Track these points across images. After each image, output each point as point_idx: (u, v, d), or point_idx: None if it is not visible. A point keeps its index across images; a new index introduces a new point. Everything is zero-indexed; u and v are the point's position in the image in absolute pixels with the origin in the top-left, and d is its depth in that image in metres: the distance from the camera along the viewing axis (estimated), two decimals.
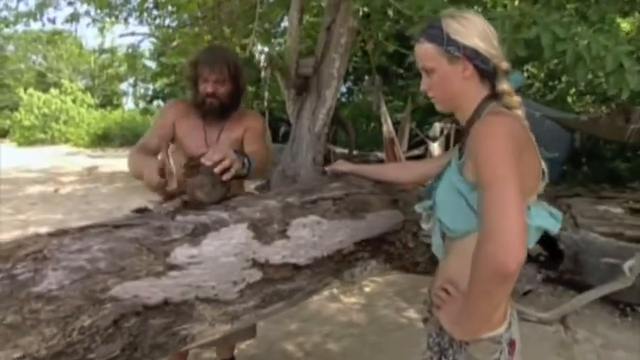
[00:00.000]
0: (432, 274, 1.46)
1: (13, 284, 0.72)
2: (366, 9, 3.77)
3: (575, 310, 2.44)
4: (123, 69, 18.28)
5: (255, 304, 0.96)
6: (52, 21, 5.73)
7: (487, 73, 0.85)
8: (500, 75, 0.86)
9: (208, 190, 1.00)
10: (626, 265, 2.17)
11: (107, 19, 5.57)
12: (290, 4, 3.81)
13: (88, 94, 18.17)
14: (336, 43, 3.65)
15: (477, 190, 0.76)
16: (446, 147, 6.02)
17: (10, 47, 21.12)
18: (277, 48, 6.21)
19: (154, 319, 0.82)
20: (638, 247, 2.69)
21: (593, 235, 2.92)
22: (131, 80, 17.66)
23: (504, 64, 0.85)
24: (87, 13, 5.31)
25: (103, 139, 14.72)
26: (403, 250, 1.28)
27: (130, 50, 7.31)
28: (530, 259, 2.73)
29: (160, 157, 1.16)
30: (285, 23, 6.13)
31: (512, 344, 0.83)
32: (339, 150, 6.18)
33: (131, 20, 5.41)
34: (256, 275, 0.92)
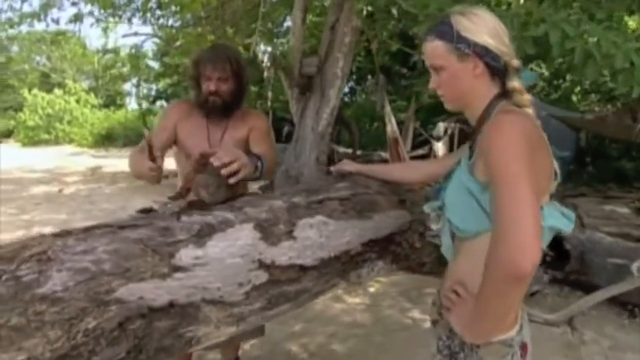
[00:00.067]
0: (438, 274, 1.45)
1: (17, 286, 0.71)
2: (369, 8, 3.75)
3: (582, 311, 2.41)
4: (126, 69, 18.33)
5: (261, 306, 0.95)
6: (56, 21, 5.73)
7: (498, 70, 0.84)
8: (511, 73, 0.84)
9: (212, 190, 0.99)
10: (635, 266, 2.14)
11: (111, 19, 5.58)
12: (293, 4, 3.80)
13: (92, 95, 18.25)
14: (340, 42, 3.64)
15: (489, 189, 0.74)
16: (450, 146, 6.00)
17: (15, 48, 21.24)
18: (280, 48, 6.20)
19: (160, 322, 0.81)
20: None
21: (600, 235, 2.90)
22: (134, 80, 17.71)
23: (515, 62, 0.83)
24: (90, 13, 5.32)
25: (106, 139, 14.79)
26: (410, 250, 1.27)
27: (133, 50, 7.32)
28: None
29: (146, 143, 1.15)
30: (288, 23, 6.12)
31: (524, 347, 0.81)
32: (342, 150, 6.17)
33: (134, 20, 5.42)
34: (262, 277, 0.91)
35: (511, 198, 0.67)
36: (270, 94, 5.02)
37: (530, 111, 0.83)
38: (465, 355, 0.81)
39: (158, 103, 16.00)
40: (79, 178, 8.22)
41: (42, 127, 16.12)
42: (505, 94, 0.85)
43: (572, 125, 5.36)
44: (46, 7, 5.21)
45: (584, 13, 1.41)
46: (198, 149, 1.40)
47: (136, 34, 7.97)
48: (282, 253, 0.94)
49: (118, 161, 9.90)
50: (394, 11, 3.48)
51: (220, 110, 1.47)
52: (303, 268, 0.98)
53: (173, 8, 5.24)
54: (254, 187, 2.07)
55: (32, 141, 15.82)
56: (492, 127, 0.77)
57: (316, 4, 5.36)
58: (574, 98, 7.68)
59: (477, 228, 0.81)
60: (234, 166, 1.02)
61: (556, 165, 0.82)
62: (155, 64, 12.26)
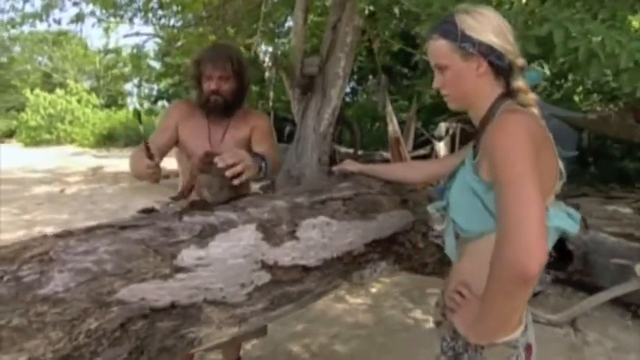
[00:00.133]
0: (441, 275, 1.44)
1: (18, 286, 0.71)
2: (371, 8, 3.74)
3: (585, 312, 2.40)
4: (127, 69, 18.37)
5: (264, 307, 0.95)
6: (58, 22, 5.73)
7: (502, 69, 0.83)
8: (515, 72, 0.83)
9: (215, 191, 0.99)
10: (638, 267, 2.13)
11: (112, 19, 5.58)
12: (294, 4, 3.80)
13: (93, 95, 18.28)
14: (342, 42, 3.63)
15: (494, 189, 0.73)
16: (451, 146, 5.98)
17: (17, 48, 21.30)
18: (282, 48, 6.19)
19: (162, 322, 0.81)
20: None
21: (603, 235, 2.88)
22: (136, 80, 17.75)
23: (520, 61, 0.83)
24: (92, 13, 5.33)
25: (107, 140, 14.81)
26: (413, 250, 1.26)
27: (135, 51, 7.32)
28: None
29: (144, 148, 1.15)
30: (289, 23, 6.11)
31: (528, 349, 0.80)
32: (343, 150, 6.16)
33: (136, 20, 5.42)
34: (265, 277, 0.91)
35: (516, 197, 0.67)
36: (271, 94, 5.01)
37: (535, 110, 0.83)
38: (469, 357, 0.81)
39: (159, 103, 16.03)
40: (81, 178, 8.23)
41: (44, 127, 16.16)
42: (509, 93, 0.84)
43: (574, 125, 5.34)
44: (47, 8, 5.22)
45: (588, 12, 1.40)
46: (200, 149, 1.39)
47: (137, 34, 7.98)
48: (285, 254, 0.93)
49: (120, 161, 9.91)
50: (396, 10, 3.47)
51: (222, 110, 1.47)
52: (305, 269, 0.97)
53: (174, 8, 5.24)
54: (255, 186, 2.07)
55: (34, 141, 15.85)
56: (497, 126, 0.76)
57: (317, 4, 5.35)
58: (576, 98, 7.66)
59: (482, 228, 0.80)
60: (238, 168, 1.01)
61: (561, 165, 0.81)
62: (156, 64, 12.28)
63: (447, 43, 0.83)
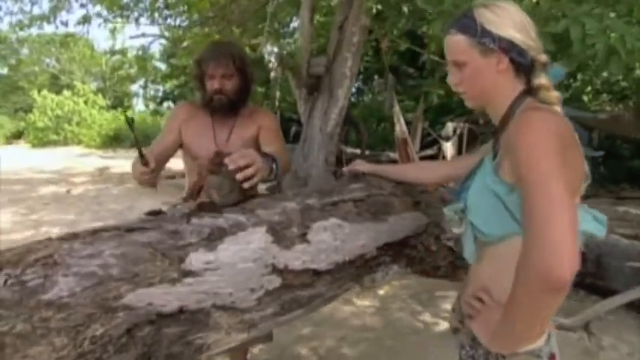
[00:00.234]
0: (453, 278, 1.40)
1: (22, 291, 0.69)
2: (379, 7, 3.70)
3: (599, 316, 2.34)
4: (133, 71, 18.48)
5: (274, 312, 0.92)
6: (65, 24, 5.75)
7: (523, 66, 0.79)
8: (537, 68, 0.80)
9: (225, 193, 0.96)
10: None
11: (118, 20, 5.60)
12: (300, 3, 3.77)
13: (100, 96, 18.40)
14: (349, 41, 3.60)
15: (517, 191, 0.70)
16: (459, 147, 5.92)
17: (25, 50, 21.50)
18: (287, 48, 6.18)
19: (169, 328, 0.78)
20: None
21: (616, 237, 2.82)
22: (141, 82, 17.84)
23: (543, 57, 0.79)
24: (98, 14, 5.35)
25: (114, 140, 14.89)
26: (425, 253, 1.23)
27: (141, 52, 7.34)
28: None
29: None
30: (294, 24, 6.09)
31: (552, 358, 0.77)
32: (350, 150, 6.12)
33: (142, 21, 5.43)
34: (275, 282, 0.88)
35: (542, 197, 0.62)
36: (278, 94, 4.99)
37: (558, 108, 0.79)
38: None
39: (165, 104, 16.10)
40: (87, 178, 8.27)
41: (51, 128, 16.28)
42: (530, 91, 0.81)
43: (584, 125, 5.25)
44: (55, 10, 5.24)
45: (606, 8, 1.35)
46: (205, 150, 1.37)
47: (143, 35, 7.99)
48: (296, 257, 0.90)
49: (126, 162, 9.94)
50: (405, 9, 3.43)
51: (226, 109, 1.43)
52: (316, 273, 0.94)
53: (181, 8, 5.24)
54: (261, 187, 2.04)
55: (41, 142, 15.98)
56: (520, 124, 0.72)
57: (323, 4, 5.33)
58: (585, 98, 7.56)
59: (502, 232, 0.77)
60: (249, 171, 0.98)
61: (586, 165, 0.77)
62: (162, 66, 12.33)
63: (466, 39, 0.79)
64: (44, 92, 17.17)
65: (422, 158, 5.19)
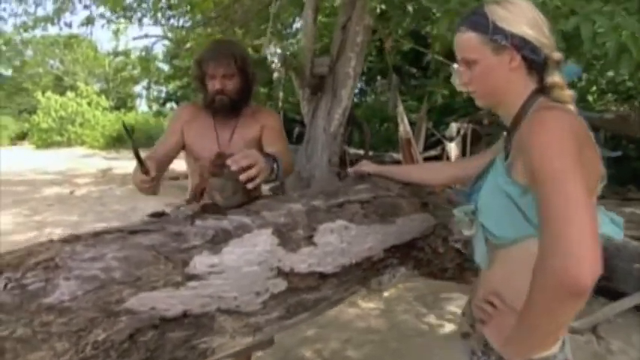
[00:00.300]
0: (460, 281, 1.38)
1: (23, 295, 0.67)
2: (383, 6, 3.68)
3: (608, 318, 2.31)
4: (137, 72, 18.53)
5: (279, 315, 0.90)
6: (69, 25, 5.77)
7: (536, 64, 0.77)
8: (550, 66, 0.77)
9: (228, 195, 0.94)
10: None
11: (122, 20, 5.61)
12: (303, 4, 3.76)
13: (103, 97, 18.45)
14: (352, 41, 3.59)
15: (531, 192, 0.67)
16: (462, 147, 5.89)
17: (29, 52, 21.60)
18: (291, 48, 6.16)
19: (173, 333, 0.77)
20: None
21: (625, 239, 2.78)
22: (145, 83, 17.90)
23: (556, 55, 0.77)
24: (102, 15, 5.36)
25: (117, 141, 14.92)
26: (432, 255, 1.20)
27: (144, 53, 7.35)
28: None
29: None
30: (297, 24, 6.08)
31: None
32: (353, 151, 6.10)
33: (145, 21, 5.43)
34: (281, 285, 0.86)
35: (559, 197, 0.60)
36: (281, 94, 4.97)
37: (572, 107, 0.77)
38: None
39: (168, 105, 16.14)
40: (91, 179, 8.29)
41: (55, 129, 16.34)
42: (543, 89, 0.78)
43: (591, 125, 5.21)
44: (59, 11, 5.26)
45: (617, 5, 1.33)
46: (207, 151, 1.35)
47: (146, 36, 8.00)
48: (302, 260, 0.88)
49: (129, 163, 9.95)
50: (409, 8, 3.41)
51: (228, 109, 1.41)
52: (323, 276, 0.92)
53: (184, 8, 5.24)
54: (264, 188, 2.02)
55: (45, 143, 16.03)
56: (533, 123, 0.70)
57: (326, 5, 5.31)
58: (590, 98, 7.50)
59: (515, 234, 0.74)
60: (252, 172, 0.96)
61: (602, 166, 0.75)
62: (165, 67, 12.36)
63: (477, 36, 0.77)
64: (48, 93, 17.24)
65: (426, 159, 5.16)
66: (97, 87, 20.58)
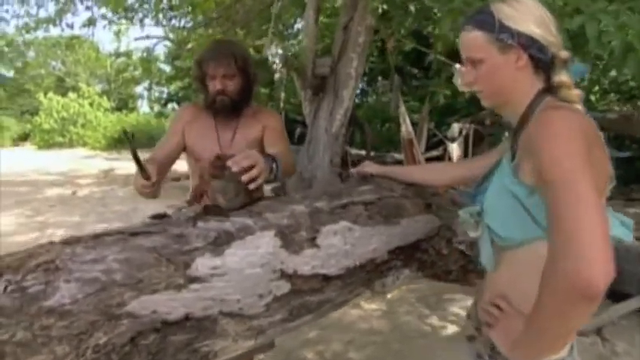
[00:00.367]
0: (464, 282, 1.36)
1: (23, 297, 0.67)
2: (384, 6, 3.67)
3: (612, 320, 2.29)
4: (138, 72, 18.56)
5: (282, 318, 0.89)
6: (71, 26, 5.77)
7: (543, 63, 0.76)
8: (557, 65, 0.76)
9: (230, 197, 0.93)
10: None
11: (123, 21, 5.61)
12: (305, 4, 3.75)
13: (105, 98, 18.48)
14: (354, 42, 3.57)
15: (537, 193, 0.66)
16: (465, 148, 5.86)
17: (31, 53, 21.66)
18: (292, 49, 6.16)
19: (174, 336, 0.76)
20: None
21: (630, 240, 2.76)
22: (146, 84, 17.92)
23: (564, 53, 0.75)
24: (103, 16, 5.36)
25: (119, 142, 14.94)
26: (436, 257, 1.19)
27: (145, 54, 7.35)
28: None
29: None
30: (299, 25, 6.08)
31: None
32: (354, 151, 6.08)
33: (146, 21, 5.43)
34: (284, 287, 0.85)
35: (569, 197, 0.59)
36: (282, 95, 4.97)
37: (580, 107, 0.75)
38: None
39: (169, 105, 16.15)
40: (92, 180, 8.30)
41: (57, 130, 16.37)
42: (550, 88, 0.77)
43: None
44: (61, 13, 5.27)
45: (623, 4, 1.31)
46: (208, 152, 1.34)
47: (147, 37, 7.99)
48: (305, 262, 0.87)
49: (130, 164, 9.86)
50: (411, 8, 3.39)
51: (229, 109, 1.40)
52: (326, 278, 0.91)
53: (185, 9, 5.24)
54: (266, 188, 2.01)
55: (47, 144, 16.07)
56: (541, 123, 0.69)
57: (328, 5, 5.30)
58: (592, 98, 7.47)
59: (522, 236, 0.73)
60: (254, 172, 0.95)
61: (611, 166, 0.73)
62: (167, 67, 12.36)
63: (483, 35, 0.76)
64: (50, 95, 17.28)
65: (427, 159, 5.14)
66: (98, 88, 20.61)
